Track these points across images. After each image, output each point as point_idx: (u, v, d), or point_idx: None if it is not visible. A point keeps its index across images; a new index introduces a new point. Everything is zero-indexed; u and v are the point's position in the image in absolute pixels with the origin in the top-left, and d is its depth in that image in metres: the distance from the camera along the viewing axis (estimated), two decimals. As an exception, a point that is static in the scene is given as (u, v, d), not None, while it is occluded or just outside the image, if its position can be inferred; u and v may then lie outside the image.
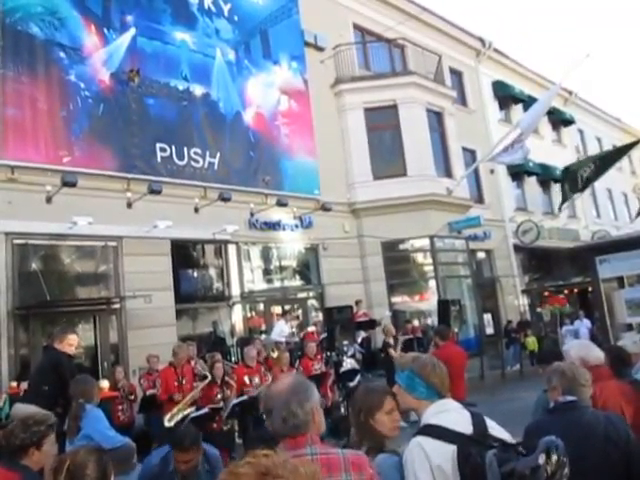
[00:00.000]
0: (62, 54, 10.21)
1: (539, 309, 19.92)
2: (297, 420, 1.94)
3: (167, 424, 6.54)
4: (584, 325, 15.71)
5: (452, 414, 2.19)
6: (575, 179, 13.51)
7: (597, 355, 3.54)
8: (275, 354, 9.33)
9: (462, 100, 19.47)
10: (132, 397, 8.08)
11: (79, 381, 4.53)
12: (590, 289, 19.05)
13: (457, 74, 19.86)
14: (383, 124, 15.48)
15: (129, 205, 10.35)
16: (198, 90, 12.21)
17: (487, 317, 16.42)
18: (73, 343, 5.33)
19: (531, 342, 16.14)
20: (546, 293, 18.87)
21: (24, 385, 6.69)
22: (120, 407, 7.79)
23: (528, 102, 20.58)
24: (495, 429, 2.16)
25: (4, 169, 9.13)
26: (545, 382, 2.97)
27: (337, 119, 15.23)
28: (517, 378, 13.87)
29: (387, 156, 15.37)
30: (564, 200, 15.82)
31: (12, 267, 9.00)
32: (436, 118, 16.39)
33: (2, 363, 8.46)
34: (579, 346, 3.74)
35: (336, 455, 1.96)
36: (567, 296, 20.26)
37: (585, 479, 2.31)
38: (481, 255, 18.74)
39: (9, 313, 8.75)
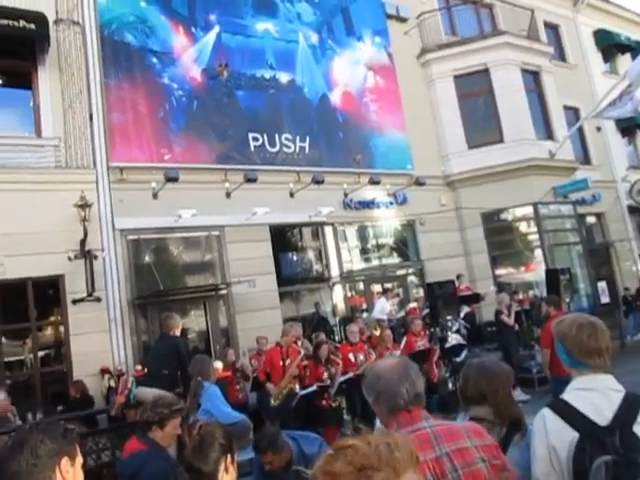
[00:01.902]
0: (154, 59, 10.77)
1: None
2: (416, 390, 1.88)
3: (273, 403, 6.79)
4: None
5: (594, 395, 1.95)
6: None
7: None
8: (377, 332, 9.37)
9: (561, 55, 18.16)
10: (245, 377, 8.46)
11: (197, 360, 4.82)
12: None
13: (553, 28, 18.51)
14: (475, 90, 14.84)
15: (228, 195, 10.76)
16: (284, 77, 12.38)
17: (601, 285, 15.34)
18: (180, 325, 5.74)
19: (654, 309, 14.89)
20: (669, 256, 17.31)
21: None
22: (236, 387, 8.19)
23: (637, 49, 18.79)
24: None
25: (115, 171, 9.84)
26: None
27: (426, 90, 14.81)
28: (639, 348, 12.91)
29: (481, 123, 14.75)
30: None
31: (128, 261, 9.73)
32: (532, 78, 15.43)
33: (127, 349, 9.22)
34: None
35: (454, 425, 1.94)
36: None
37: None
38: (591, 220, 17.52)
39: (129, 303, 9.48)
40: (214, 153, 11.00)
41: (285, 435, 3.52)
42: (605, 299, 15.04)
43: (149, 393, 4.57)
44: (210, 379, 4.49)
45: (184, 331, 9.33)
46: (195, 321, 10.71)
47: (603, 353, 2.03)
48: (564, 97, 16.35)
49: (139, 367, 8.46)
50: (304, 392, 6.84)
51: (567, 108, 16.87)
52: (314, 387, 6.91)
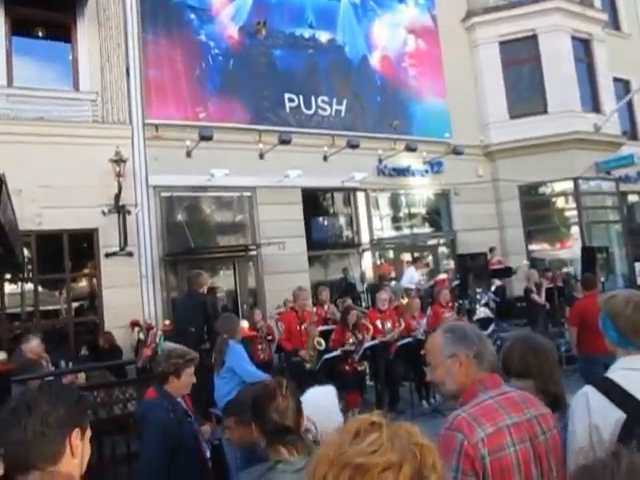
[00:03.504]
0: (192, 15, 10.63)
1: None
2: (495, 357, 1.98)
3: (309, 367, 6.88)
4: None
5: None
6: None
7: None
8: (405, 301, 9.32)
9: (614, 24, 17.20)
10: (270, 337, 8.55)
11: (225, 318, 4.88)
12: None
13: (609, -7, 17.54)
14: (521, 57, 14.28)
15: (261, 156, 10.71)
16: (324, 36, 12.10)
17: (639, 266, 14.90)
18: (208, 283, 5.78)
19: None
20: None
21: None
22: (260, 347, 8.29)
23: (698, 19, 17.69)
24: None
25: (150, 128, 9.86)
26: None
27: (469, 56, 14.30)
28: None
29: (525, 93, 14.23)
30: None
31: (161, 218, 9.84)
32: (583, 46, 14.74)
33: (157, 304, 9.40)
34: None
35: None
36: None
37: None
38: (634, 198, 16.85)
39: (160, 259, 9.63)
40: (249, 113, 10.90)
41: None
42: (642, 280, 14.61)
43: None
44: (236, 337, 4.54)
45: (213, 289, 9.50)
46: (224, 280, 10.83)
47: None
48: (615, 68, 15.56)
49: (167, 322, 8.64)
50: (329, 356, 6.87)
51: (617, 80, 16.08)
52: (338, 351, 6.93)
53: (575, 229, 14.24)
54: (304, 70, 11.72)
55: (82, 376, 6.02)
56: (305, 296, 7.76)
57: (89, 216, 8.91)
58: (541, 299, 10.41)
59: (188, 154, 9.95)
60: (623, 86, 16.55)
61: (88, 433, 1.51)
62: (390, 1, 13.31)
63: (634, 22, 17.87)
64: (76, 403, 1.49)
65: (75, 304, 9.46)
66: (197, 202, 10.56)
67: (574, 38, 14.37)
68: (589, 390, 1.92)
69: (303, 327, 7.33)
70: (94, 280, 9.35)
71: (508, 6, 14.53)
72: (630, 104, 16.14)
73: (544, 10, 14.05)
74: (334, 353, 6.90)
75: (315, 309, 8.39)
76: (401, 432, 1.04)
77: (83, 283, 9.93)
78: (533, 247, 14.28)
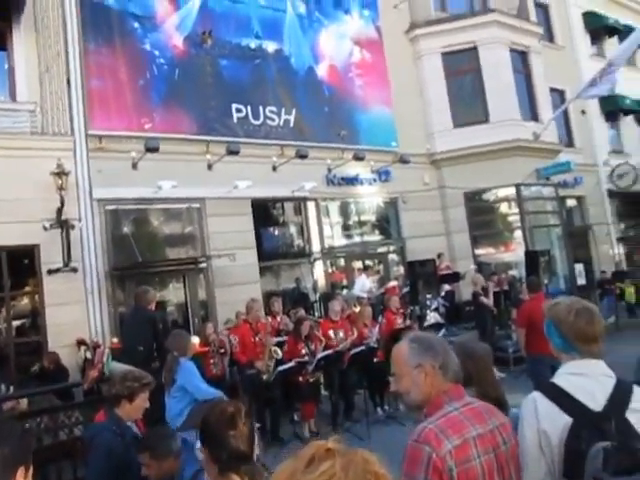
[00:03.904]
0: (136, 24, 10.41)
1: (637, 258, 18.68)
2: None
3: (265, 379, 6.82)
4: (690, 273, 14.52)
5: (587, 380, 1.94)
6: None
7: None
8: (357, 309, 9.39)
9: (549, 36, 18.03)
10: (222, 351, 8.42)
11: (175, 336, 4.76)
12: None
13: (543, 8, 18.31)
14: (463, 68, 14.72)
15: (209, 167, 10.58)
16: (270, 47, 12.10)
17: (579, 267, 15.56)
18: (155, 299, 5.63)
19: (629, 292, 15.17)
20: (645, 241, 17.59)
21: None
22: (212, 361, 8.15)
23: (624, 32, 18.71)
24: None
25: (93, 139, 9.57)
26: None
27: (413, 67, 14.63)
28: (613, 330, 13.16)
29: (468, 102, 14.65)
30: None
31: (106, 232, 9.54)
32: (520, 58, 15.33)
33: (104, 321, 9.10)
34: None
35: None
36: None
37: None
38: (572, 202, 17.67)
39: (106, 274, 9.33)
40: (196, 124, 10.75)
41: (182, 441, 3.21)
42: (582, 281, 15.25)
43: (123, 369, 4.51)
44: (187, 354, 4.44)
45: (161, 304, 9.28)
46: (174, 293, 10.61)
47: (598, 339, 2.03)
48: (551, 78, 16.29)
49: (115, 340, 8.38)
50: (282, 368, 6.84)
51: (553, 90, 16.85)
52: (292, 363, 6.90)
53: (518, 233, 14.74)
54: (251, 80, 11.68)
55: (24, 400, 5.74)
56: (258, 307, 7.70)
57: (29, 231, 8.53)
58: (489, 301, 10.72)
59: (134, 166, 9.71)
60: (559, 96, 17.36)
61: (31, 469, 1.40)
62: (335, 12, 13.46)
63: (567, 35, 18.78)
64: (19, 440, 1.38)
65: (17, 323, 9.04)
66: (144, 215, 10.31)
67: (512, 50, 14.93)
68: (537, 396, 1.97)
69: (257, 338, 7.27)
70: (36, 297, 8.96)
71: (449, 19, 14.98)
72: (566, 113, 16.92)
73: (483, 23, 14.55)
74: (288, 365, 6.86)
75: (269, 320, 8.34)
76: (357, 459, 1.03)
77: (24, 301, 9.48)
78: (479, 251, 14.67)
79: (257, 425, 3.41)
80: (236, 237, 10.52)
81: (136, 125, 10.04)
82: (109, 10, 10.13)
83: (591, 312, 2.06)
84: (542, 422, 1.89)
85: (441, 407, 1.84)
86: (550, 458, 1.87)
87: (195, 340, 7.56)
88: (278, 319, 8.71)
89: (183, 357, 4.37)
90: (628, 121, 20.15)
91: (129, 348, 5.38)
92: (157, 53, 10.60)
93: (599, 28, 19.62)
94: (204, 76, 11.04)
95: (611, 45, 19.65)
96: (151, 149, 9.28)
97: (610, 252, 18.03)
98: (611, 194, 18.36)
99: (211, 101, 11.03)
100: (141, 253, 9.73)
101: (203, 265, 10.38)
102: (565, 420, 1.86)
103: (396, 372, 1.96)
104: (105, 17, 10.07)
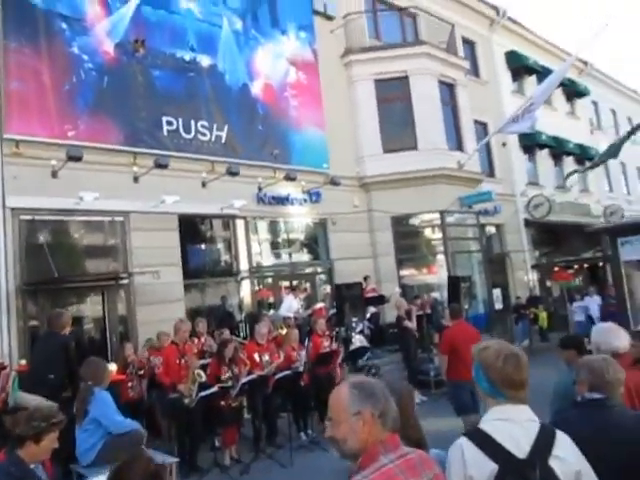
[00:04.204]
0: (64, 25, 9.94)
1: (549, 284, 19.79)
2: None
3: (187, 403, 6.57)
4: (594, 302, 15.53)
5: (512, 426, 1.96)
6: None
7: (626, 344, 3.28)
8: (284, 331, 9.29)
9: (475, 71, 18.99)
10: (141, 372, 8.05)
11: (90, 363, 4.46)
12: (601, 264, 18.92)
13: (470, 44, 19.33)
14: (394, 96, 15.13)
15: (136, 180, 10.20)
16: (205, 61, 11.92)
17: (496, 292, 16.30)
18: (70, 323, 5.28)
19: (542, 317, 16.02)
20: (556, 268, 18.67)
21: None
22: (130, 384, 7.77)
23: (542, 73, 20.07)
24: (566, 451, 1.94)
25: (9, 143, 8.99)
26: (570, 369, 2.78)
27: (347, 91, 14.90)
28: (526, 354, 13.81)
29: (397, 129, 15.06)
30: (572, 172, 16.15)
31: (19, 243, 8.92)
32: (448, 90, 16.01)
33: (12, 340, 8.46)
34: (607, 332, 3.38)
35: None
36: (577, 271, 20.11)
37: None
38: (491, 230, 18.53)
39: (17, 289, 8.71)
40: (123, 134, 10.35)
41: None
42: (499, 305, 15.98)
43: (30, 401, 4.16)
44: (102, 384, 4.17)
45: (76, 321, 8.76)
46: (91, 310, 10.05)
47: (525, 385, 2.06)
48: (475, 111, 17.11)
49: (23, 362, 7.76)
50: (204, 393, 6.60)
51: (477, 122, 17.71)
52: (215, 388, 6.69)
53: (441, 257, 15.22)
54: (184, 93, 11.42)
55: None
56: (186, 328, 7.41)
57: None
58: (413, 325, 10.94)
59: (54, 174, 9.20)
60: (482, 128, 18.25)
61: None
62: (272, 32, 13.49)
63: (491, 71, 19.84)
64: None
65: None
66: (63, 227, 9.74)
67: (440, 81, 15.56)
68: (464, 442, 1.98)
69: (183, 361, 7.00)
70: None
71: (383, 47, 15.44)
72: (488, 145, 17.78)
73: (415, 54, 15.09)
74: (210, 390, 6.64)
75: (194, 341, 8.09)
76: None
77: None
78: (404, 273, 15.02)
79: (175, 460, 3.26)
80: (161, 253, 10.17)
81: (58, 131, 9.52)
82: (34, 8, 9.60)
83: (518, 358, 2.10)
84: (469, 468, 1.90)
85: (377, 458, 1.77)
86: None
87: (112, 367, 7.18)
88: (202, 340, 8.46)
89: (98, 387, 4.10)
90: (544, 155, 21.50)
91: (39, 376, 4.96)
92: (86, 58, 10.15)
93: (520, 67, 20.91)
94: (135, 86, 10.69)
95: (530, 84, 20.97)
96: (73, 158, 8.83)
97: (525, 278, 19.00)
98: (527, 223, 19.42)
99: (141, 112, 10.68)
100: (58, 267, 9.15)
101: (125, 281, 9.93)
102: (491, 467, 1.88)
103: (333, 418, 1.85)
104: (29, 15, 9.53)
